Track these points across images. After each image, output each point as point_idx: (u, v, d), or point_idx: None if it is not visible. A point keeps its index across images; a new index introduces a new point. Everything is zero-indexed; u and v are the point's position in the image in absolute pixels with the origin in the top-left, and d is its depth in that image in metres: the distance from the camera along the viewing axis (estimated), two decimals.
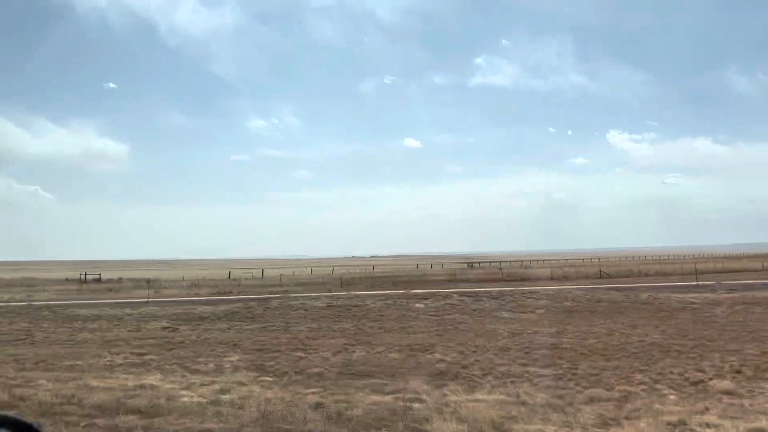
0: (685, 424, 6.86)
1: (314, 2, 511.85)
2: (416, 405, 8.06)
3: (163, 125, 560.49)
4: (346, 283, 44.53)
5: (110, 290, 43.63)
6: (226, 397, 8.79)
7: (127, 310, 24.47)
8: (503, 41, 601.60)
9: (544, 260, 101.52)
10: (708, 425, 6.75)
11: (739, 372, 10.51)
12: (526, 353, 13.22)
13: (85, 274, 61.39)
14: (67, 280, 58.34)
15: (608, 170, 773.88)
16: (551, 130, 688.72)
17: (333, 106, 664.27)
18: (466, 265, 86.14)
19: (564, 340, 14.92)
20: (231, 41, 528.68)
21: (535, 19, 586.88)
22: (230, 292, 37.53)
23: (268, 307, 24.60)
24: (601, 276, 47.77)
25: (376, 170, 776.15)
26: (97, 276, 61.11)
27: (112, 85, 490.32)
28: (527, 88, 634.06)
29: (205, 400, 8.47)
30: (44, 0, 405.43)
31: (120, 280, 57.74)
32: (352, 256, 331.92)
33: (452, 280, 46.72)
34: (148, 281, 48.45)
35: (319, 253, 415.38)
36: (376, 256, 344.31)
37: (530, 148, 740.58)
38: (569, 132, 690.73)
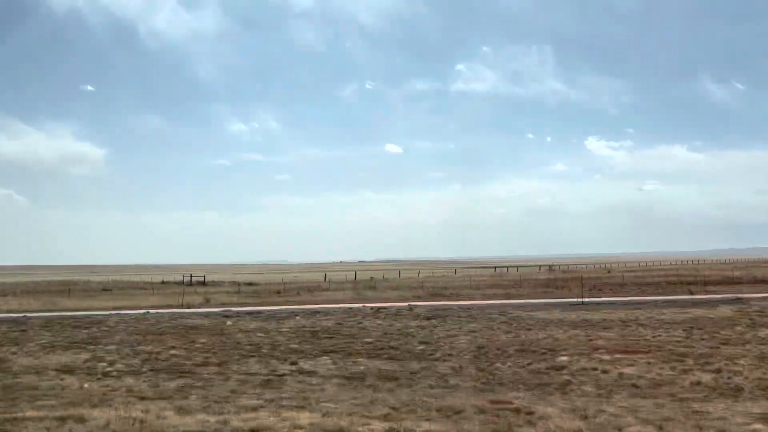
0: None
1: (296, 7, 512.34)
2: None
3: (142, 129, 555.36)
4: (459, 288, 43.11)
5: (277, 293, 40.87)
6: None
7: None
8: (484, 48, 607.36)
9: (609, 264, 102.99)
10: None
11: None
12: None
13: (191, 277, 60.25)
14: (163, 282, 57.84)
15: (586, 176, 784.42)
16: (530, 136, 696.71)
17: (314, 111, 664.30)
18: (537, 268, 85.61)
19: None
20: (211, 45, 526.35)
21: (515, 26, 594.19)
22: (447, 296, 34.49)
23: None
24: None
25: (357, 175, 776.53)
26: (201, 279, 59.72)
27: (89, 87, 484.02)
28: (507, 95, 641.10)
29: None
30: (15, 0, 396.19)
31: (223, 283, 56.66)
32: (341, 261, 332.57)
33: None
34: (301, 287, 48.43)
35: (302, 258, 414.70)
36: (363, 262, 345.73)
37: (510, 154, 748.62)
38: (548, 139, 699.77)
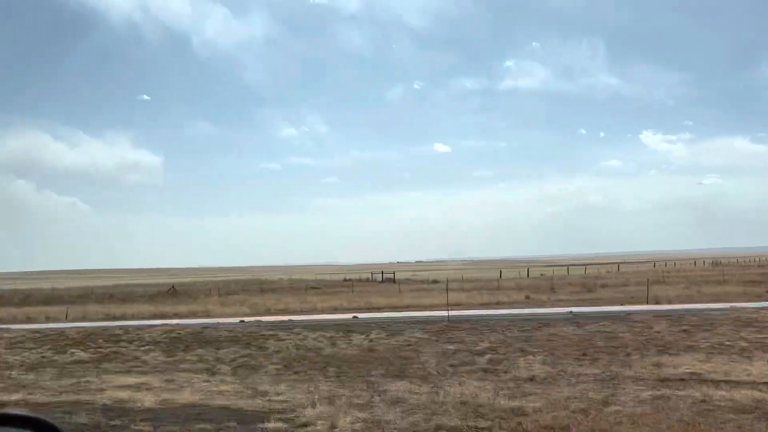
0: None
1: (343, 11, 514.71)
2: None
3: (195, 136, 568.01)
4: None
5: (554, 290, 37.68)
6: None
7: None
8: (533, 44, 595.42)
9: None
10: None
11: None
12: None
13: (382, 274, 59.68)
14: (345, 280, 57.44)
15: (642, 172, 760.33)
16: (582, 132, 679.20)
17: (362, 113, 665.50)
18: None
19: None
20: (260, 51, 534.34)
21: (565, 20, 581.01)
22: None
23: None
24: None
25: (404, 176, 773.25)
26: (391, 276, 58.68)
27: (145, 97, 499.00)
28: (558, 91, 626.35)
29: None
30: (79, 17, 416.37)
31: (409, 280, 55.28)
32: (398, 262, 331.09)
33: None
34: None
35: (353, 259, 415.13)
36: (420, 262, 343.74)
37: (561, 151, 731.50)
38: (601, 134, 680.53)
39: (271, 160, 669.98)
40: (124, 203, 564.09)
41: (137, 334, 18.13)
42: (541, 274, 65.37)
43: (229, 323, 21.41)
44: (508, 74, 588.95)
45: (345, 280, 57.94)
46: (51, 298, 43.96)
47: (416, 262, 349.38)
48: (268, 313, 27.28)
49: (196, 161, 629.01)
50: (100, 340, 17.24)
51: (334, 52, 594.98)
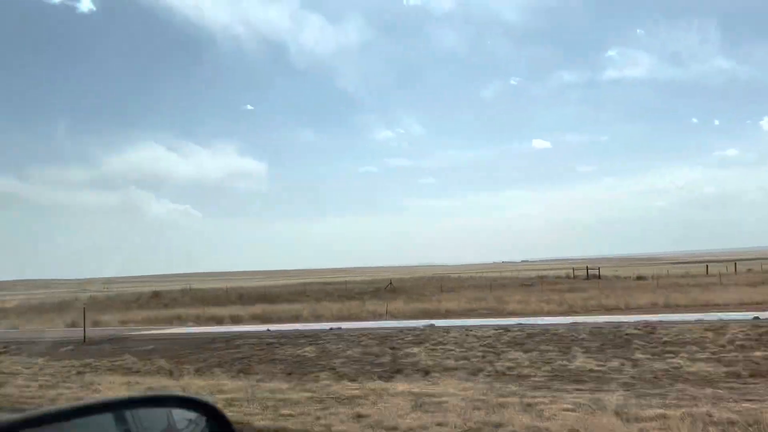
0: None
1: (436, 11, 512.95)
2: None
3: (297, 142, 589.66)
4: None
5: None
6: None
7: None
8: (638, 30, 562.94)
9: None
10: None
11: None
12: None
13: (587, 270, 56.59)
14: (541, 277, 55.33)
15: (763, 161, 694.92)
16: (694, 121, 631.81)
17: (457, 113, 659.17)
18: None
19: None
20: (356, 56, 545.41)
21: (672, 3, 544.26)
22: None
23: None
24: None
25: (503, 174, 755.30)
26: (596, 272, 55.24)
27: (249, 107, 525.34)
28: (666, 79, 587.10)
29: None
30: (187, 37, 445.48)
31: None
32: (502, 262, 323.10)
33: None
34: None
35: (453, 260, 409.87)
36: (527, 261, 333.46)
37: (670, 142, 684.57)
38: (716, 122, 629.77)
39: (369, 163, 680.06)
40: (231, 209, 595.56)
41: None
42: (749, 270, 58.57)
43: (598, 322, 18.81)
44: (611, 64, 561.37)
45: (540, 277, 54.37)
46: (268, 297, 43.94)
47: (522, 261, 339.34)
48: (586, 311, 24.50)
49: (298, 167, 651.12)
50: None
51: (429, 53, 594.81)
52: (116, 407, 1.86)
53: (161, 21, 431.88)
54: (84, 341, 20.17)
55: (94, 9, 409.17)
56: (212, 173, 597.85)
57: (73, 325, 31.98)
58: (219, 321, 29.09)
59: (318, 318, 27.15)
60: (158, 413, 1.95)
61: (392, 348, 14.89)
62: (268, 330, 21.25)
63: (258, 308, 33.51)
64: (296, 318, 27.96)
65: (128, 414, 1.85)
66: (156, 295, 50.41)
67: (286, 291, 46.98)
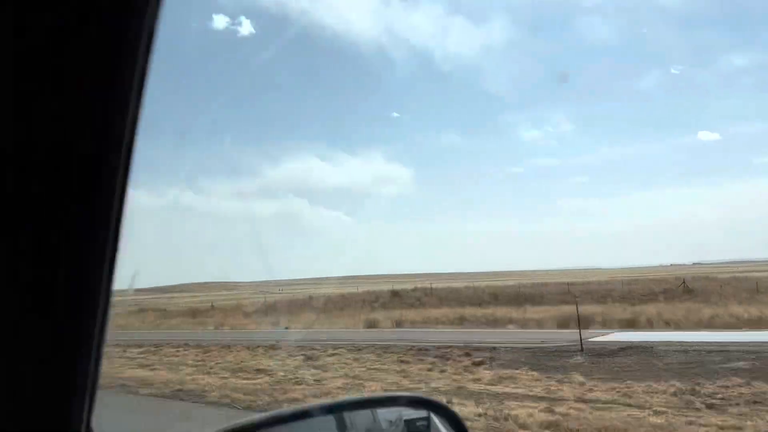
0: None
1: (585, 2, 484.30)
2: None
3: (442, 146, 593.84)
4: None
5: None
6: None
7: None
8: None
9: None
10: None
11: None
12: None
13: None
14: None
15: None
16: None
17: (610, 107, 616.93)
18: None
19: None
20: (501, 56, 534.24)
21: None
22: None
23: None
24: None
25: (663, 170, 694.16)
26: None
27: (395, 114, 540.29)
28: None
29: None
30: (338, 49, 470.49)
31: None
32: (670, 264, 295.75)
33: None
34: None
35: (615, 262, 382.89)
36: (699, 264, 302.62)
37: None
38: None
39: (515, 163, 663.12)
40: (380, 213, 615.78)
41: None
42: None
43: None
44: None
45: None
46: (528, 297, 41.93)
47: (693, 264, 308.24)
48: None
49: (443, 170, 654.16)
50: None
51: (577, 47, 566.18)
52: (354, 407, 2.04)
53: (313, 38, 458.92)
54: (581, 349, 16.66)
55: (254, 32, 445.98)
56: (360, 180, 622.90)
57: (371, 324, 31.87)
58: (539, 324, 27.54)
59: (671, 325, 24.32)
60: (362, 415, 2.02)
61: None
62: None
63: (541, 310, 31.48)
64: (632, 323, 25.47)
65: (346, 415, 1.96)
66: (396, 294, 50.75)
67: (537, 292, 44.68)
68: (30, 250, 0.94)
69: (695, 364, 13.90)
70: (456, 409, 2.08)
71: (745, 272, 75.31)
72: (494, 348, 17.83)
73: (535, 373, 13.87)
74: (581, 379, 12.90)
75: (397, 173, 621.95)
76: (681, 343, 16.98)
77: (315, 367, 16.37)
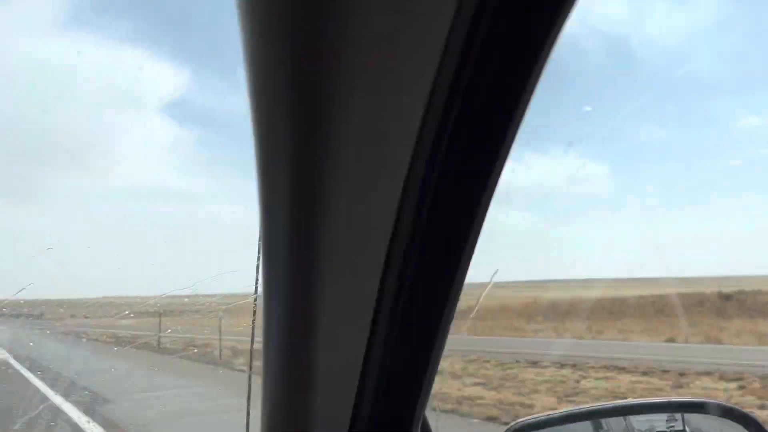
0: None
1: None
2: None
3: (641, 140, 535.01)
4: None
5: None
6: None
7: None
8: None
9: None
10: None
11: None
12: None
13: None
14: None
15: None
16: None
17: None
18: None
19: None
20: (709, 36, 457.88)
21: None
22: None
23: None
24: None
25: None
26: None
27: (587, 108, 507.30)
28: None
29: None
30: None
31: None
32: None
33: None
34: None
35: None
36: None
37: None
38: None
39: (731, 156, 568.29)
40: (571, 214, 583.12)
41: None
42: None
43: None
44: None
45: None
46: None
47: None
48: None
49: (643, 166, 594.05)
50: None
51: None
52: (658, 409, 1.93)
53: None
54: None
55: None
56: (552, 180, 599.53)
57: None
58: None
59: None
60: (616, 422, 1.93)
61: None
62: None
63: None
64: None
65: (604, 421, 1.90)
66: (727, 298, 45.66)
67: None
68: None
69: None
70: None
71: None
72: None
73: None
74: None
75: (589, 171, 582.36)
76: None
77: None
